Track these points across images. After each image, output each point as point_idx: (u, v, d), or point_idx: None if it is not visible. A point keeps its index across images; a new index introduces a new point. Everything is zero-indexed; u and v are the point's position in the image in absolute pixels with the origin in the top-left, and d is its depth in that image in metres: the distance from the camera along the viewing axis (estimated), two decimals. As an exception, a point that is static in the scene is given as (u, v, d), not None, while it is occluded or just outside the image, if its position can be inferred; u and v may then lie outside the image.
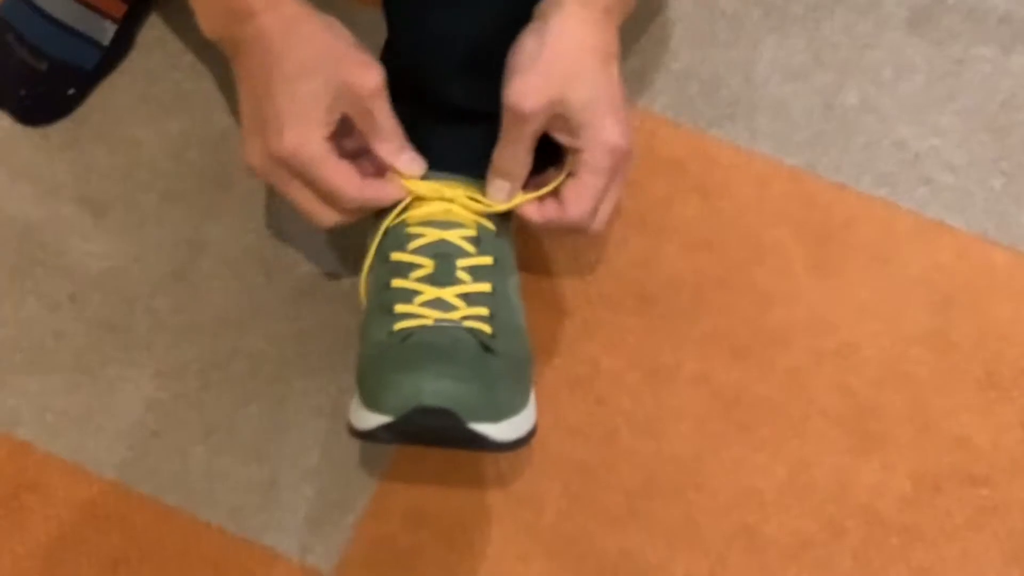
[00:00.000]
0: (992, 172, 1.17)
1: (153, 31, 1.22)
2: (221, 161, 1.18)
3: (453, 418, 0.91)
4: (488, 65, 0.97)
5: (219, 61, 1.21)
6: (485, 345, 0.95)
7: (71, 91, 1.20)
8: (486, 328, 0.97)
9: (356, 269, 1.13)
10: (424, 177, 1.00)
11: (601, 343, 1.13)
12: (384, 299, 0.98)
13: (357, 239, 1.14)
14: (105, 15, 1.20)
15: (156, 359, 1.12)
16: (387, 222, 1.00)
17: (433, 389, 0.90)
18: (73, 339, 1.12)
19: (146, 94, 1.20)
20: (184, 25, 1.23)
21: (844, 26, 1.23)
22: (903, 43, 1.22)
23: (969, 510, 1.07)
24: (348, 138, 0.99)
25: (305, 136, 0.94)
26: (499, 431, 0.93)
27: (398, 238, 1.00)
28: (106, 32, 1.20)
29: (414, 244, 0.99)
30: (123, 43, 1.22)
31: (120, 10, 1.20)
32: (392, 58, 1.01)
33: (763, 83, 1.21)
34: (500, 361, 0.96)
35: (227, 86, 1.20)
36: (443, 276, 0.98)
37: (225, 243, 1.15)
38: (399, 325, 0.96)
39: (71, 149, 1.18)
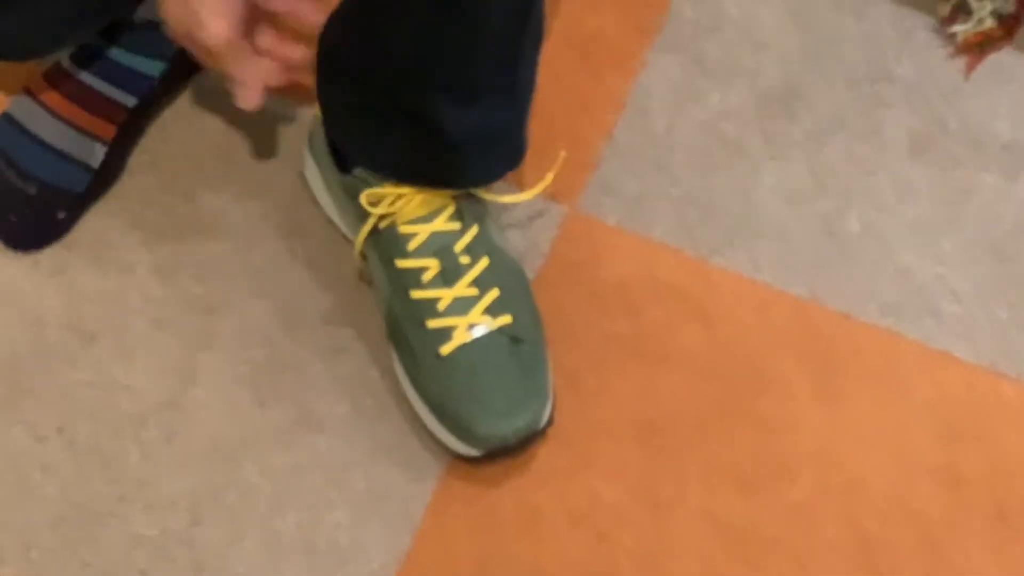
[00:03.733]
0: (999, 301, 1.16)
1: (145, 155, 1.21)
2: (214, 287, 1.16)
3: (533, 433, 1.09)
4: None
5: (212, 186, 1.20)
6: (514, 337, 1.08)
7: (61, 215, 1.18)
8: (507, 318, 1.08)
9: (352, 402, 1.11)
10: (368, 180, 1.09)
11: (602, 474, 1.10)
12: (412, 311, 1.08)
13: (354, 371, 1.12)
14: (95, 137, 1.18)
15: (145, 493, 1.09)
16: (379, 222, 1.09)
17: (515, 429, 1.06)
18: (60, 472, 1.09)
19: (138, 218, 1.19)
20: (176, 150, 1.21)
21: (845, 151, 1.22)
22: (905, 169, 1.21)
23: (982, 651, 1.05)
24: None
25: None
26: (548, 410, 1.10)
27: (395, 240, 1.08)
28: (96, 154, 1.18)
29: (412, 245, 1.08)
30: (114, 166, 1.20)
31: (109, 132, 1.19)
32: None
33: (764, 209, 1.20)
34: (528, 346, 1.09)
35: (220, 211, 1.19)
36: (450, 271, 1.08)
37: (218, 372, 1.13)
38: (444, 349, 1.07)
39: (61, 275, 1.16)
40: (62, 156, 1.18)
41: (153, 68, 1.21)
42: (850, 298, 1.16)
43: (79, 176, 1.18)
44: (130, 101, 1.19)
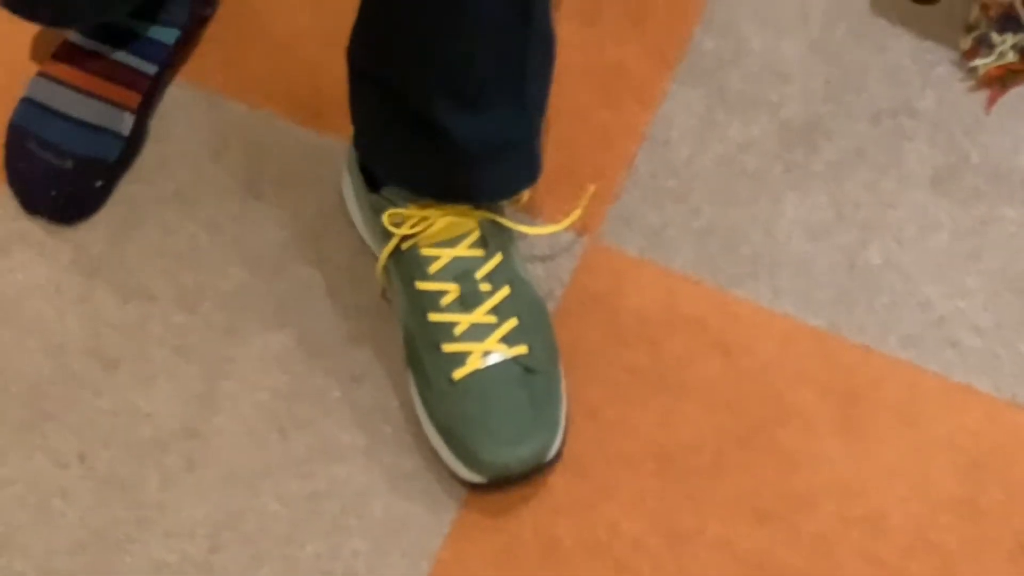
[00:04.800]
0: (1020, 334, 1.15)
1: (169, 184, 1.22)
2: (236, 315, 1.16)
3: (539, 466, 1.08)
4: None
5: (234, 214, 1.20)
6: (527, 367, 1.07)
7: (99, 183, 1.20)
8: (523, 348, 1.08)
9: (371, 431, 1.11)
10: (394, 200, 1.09)
11: (620, 505, 1.10)
12: (428, 333, 1.08)
13: (373, 399, 1.13)
14: (122, 106, 1.21)
15: (165, 519, 1.09)
16: (403, 243, 1.09)
17: (520, 459, 1.06)
18: (81, 498, 1.10)
19: (161, 246, 1.19)
20: (199, 179, 1.22)
21: (867, 184, 1.22)
22: (927, 202, 1.21)
23: None
24: None
25: None
26: (557, 444, 1.09)
27: (416, 262, 1.09)
28: (125, 122, 1.21)
29: (433, 268, 1.08)
30: (140, 133, 1.23)
31: (135, 100, 1.22)
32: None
33: (785, 241, 1.20)
34: (541, 378, 1.08)
35: (243, 239, 1.19)
36: (470, 297, 1.08)
37: (238, 399, 1.13)
38: (457, 374, 1.07)
39: (84, 302, 1.17)
40: (93, 128, 1.21)
41: (168, 36, 1.24)
42: (871, 330, 1.16)
43: (112, 145, 1.21)
44: (151, 69, 1.23)
